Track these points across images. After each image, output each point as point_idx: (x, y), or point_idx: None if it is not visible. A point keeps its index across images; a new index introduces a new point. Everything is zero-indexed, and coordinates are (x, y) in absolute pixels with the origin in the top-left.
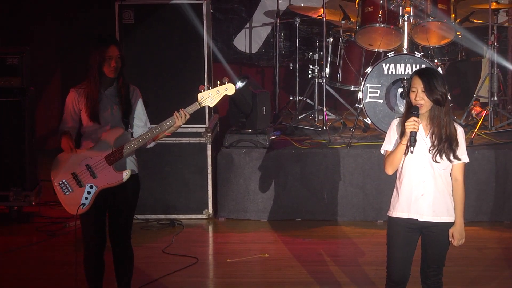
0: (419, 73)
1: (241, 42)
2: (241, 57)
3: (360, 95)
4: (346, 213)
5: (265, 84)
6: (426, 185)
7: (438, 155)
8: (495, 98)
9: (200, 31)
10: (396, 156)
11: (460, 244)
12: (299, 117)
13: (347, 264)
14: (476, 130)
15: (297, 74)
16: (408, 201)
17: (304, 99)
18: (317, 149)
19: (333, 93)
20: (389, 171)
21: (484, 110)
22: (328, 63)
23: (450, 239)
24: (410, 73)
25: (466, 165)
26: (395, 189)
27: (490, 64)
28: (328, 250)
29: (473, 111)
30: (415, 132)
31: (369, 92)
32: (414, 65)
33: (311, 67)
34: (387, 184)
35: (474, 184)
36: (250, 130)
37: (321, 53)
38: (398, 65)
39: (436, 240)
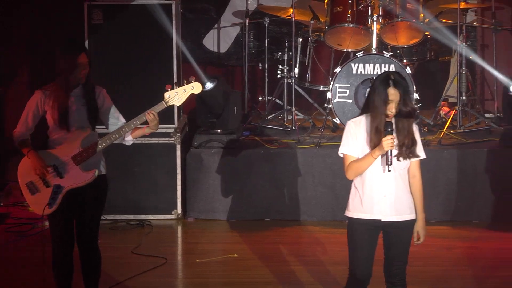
0: (396, 84)
1: (210, 41)
2: (210, 57)
3: (329, 95)
4: (315, 213)
5: (234, 84)
6: (388, 186)
7: (400, 157)
8: (464, 98)
9: (169, 30)
10: (364, 167)
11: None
12: (268, 117)
13: (315, 264)
14: (444, 129)
15: (266, 74)
16: (371, 202)
17: (273, 99)
18: (286, 149)
19: (302, 93)
20: (352, 177)
21: (452, 110)
22: (297, 63)
23: (415, 239)
24: (379, 72)
25: (435, 165)
26: (354, 189)
27: (458, 64)
28: (297, 250)
29: (441, 111)
30: (391, 150)
31: (338, 92)
32: (383, 65)
33: (280, 67)
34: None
35: (443, 184)
36: (219, 130)
37: (290, 53)
38: (367, 65)
39: (399, 239)
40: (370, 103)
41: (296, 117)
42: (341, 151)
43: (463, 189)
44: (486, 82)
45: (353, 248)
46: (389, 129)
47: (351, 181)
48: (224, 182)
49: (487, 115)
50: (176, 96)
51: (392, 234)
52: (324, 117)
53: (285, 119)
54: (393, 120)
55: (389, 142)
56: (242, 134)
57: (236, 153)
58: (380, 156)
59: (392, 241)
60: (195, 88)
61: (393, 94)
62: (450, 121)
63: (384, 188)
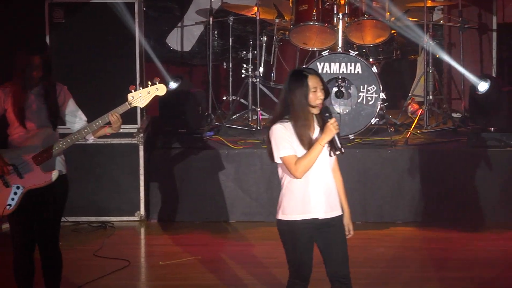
0: (313, 72)
1: (174, 40)
2: (174, 56)
3: None
4: None
5: (198, 83)
6: (324, 181)
7: (332, 150)
8: (431, 97)
9: (132, 29)
10: (314, 160)
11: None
12: (233, 117)
13: (283, 265)
14: (411, 129)
15: (230, 73)
16: (307, 201)
17: (238, 98)
18: (251, 150)
19: (267, 92)
20: (302, 175)
21: (420, 109)
22: (262, 62)
23: (347, 233)
24: (345, 72)
25: (401, 165)
26: (288, 190)
27: (425, 63)
28: (263, 252)
29: (410, 107)
30: (339, 133)
31: None
32: (348, 64)
33: (244, 66)
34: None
35: (409, 184)
36: (183, 130)
37: (255, 52)
38: (332, 64)
39: (337, 235)
40: (289, 103)
41: (261, 117)
42: (281, 155)
43: (429, 190)
44: (453, 81)
45: (295, 250)
46: (327, 114)
47: None
48: (187, 183)
49: (454, 115)
50: (140, 97)
51: (329, 232)
52: None
53: (250, 119)
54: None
55: (336, 124)
56: (206, 134)
57: (200, 154)
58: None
59: (331, 240)
60: (159, 90)
61: (315, 81)
62: (417, 120)
63: (321, 185)
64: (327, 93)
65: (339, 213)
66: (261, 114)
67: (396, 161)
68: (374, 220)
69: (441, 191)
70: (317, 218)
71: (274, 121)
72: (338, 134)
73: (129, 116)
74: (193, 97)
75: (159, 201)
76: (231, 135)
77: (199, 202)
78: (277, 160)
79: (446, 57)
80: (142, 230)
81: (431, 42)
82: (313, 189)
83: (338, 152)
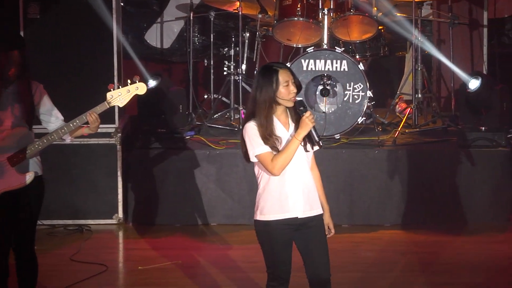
0: (283, 66)
1: (152, 37)
2: (153, 53)
3: None
4: None
5: (178, 81)
6: (302, 179)
7: (308, 145)
8: (419, 95)
9: (110, 25)
10: (291, 155)
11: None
12: (214, 116)
13: (263, 270)
14: (399, 129)
15: (211, 70)
16: (285, 200)
17: (220, 97)
18: (233, 150)
19: (250, 90)
20: (280, 172)
21: (408, 107)
22: (245, 59)
23: (327, 232)
24: (331, 69)
25: (389, 166)
26: (263, 190)
27: (414, 60)
28: (245, 256)
29: (397, 106)
30: (315, 127)
31: None
32: (334, 61)
33: (226, 63)
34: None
35: (397, 186)
36: (163, 130)
37: (237, 49)
38: (318, 61)
39: (317, 234)
40: (256, 101)
41: (244, 116)
42: (256, 153)
43: (418, 191)
44: (442, 79)
45: (273, 251)
46: (302, 107)
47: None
48: (167, 185)
49: (443, 114)
50: (119, 96)
51: (309, 233)
52: None
53: (232, 118)
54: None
55: (311, 117)
56: (186, 134)
57: (181, 154)
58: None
59: (311, 241)
60: (139, 88)
61: (286, 75)
62: (405, 119)
63: (298, 183)
64: (299, 88)
65: (319, 211)
66: (244, 113)
67: (383, 161)
68: (361, 223)
69: (430, 192)
70: (296, 218)
71: (246, 119)
72: (314, 127)
73: (107, 115)
74: (173, 95)
75: (137, 204)
76: (213, 135)
77: (179, 204)
78: (253, 158)
79: (435, 54)
80: (120, 234)
81: (419, 39)
82: (290, 187)
83: (316, 147)
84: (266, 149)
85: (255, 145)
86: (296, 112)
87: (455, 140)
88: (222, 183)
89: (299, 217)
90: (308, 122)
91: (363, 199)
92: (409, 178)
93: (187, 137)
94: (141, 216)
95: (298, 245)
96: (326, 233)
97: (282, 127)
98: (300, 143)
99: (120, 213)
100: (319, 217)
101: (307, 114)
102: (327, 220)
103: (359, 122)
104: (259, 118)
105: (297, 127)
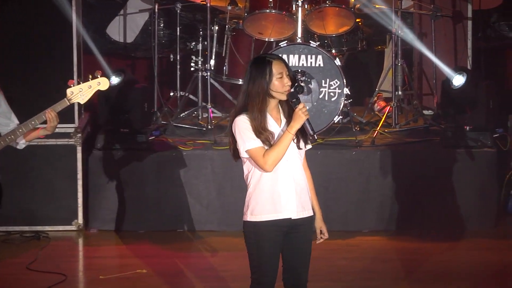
0: (277, 57)
1: (115, 30)
2: (115, 48)
3: None
4: (235, 222)
5: (143, 77)
6: (294, 178)
7: (301, 140)
8: (400, 93)
9: (69, 18)
10: (284, 150)
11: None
12: (181, 115)
13: (236, 279)
14: (378, 128)
15: (178, 66)
16: (278, 199)
17: (187, 94)
18: (201, 151)
19: (219, 87)
20: (273, 167)
21: (388, 106)
22: (213, 54)
23: (320, 236)
24: (306, 64)
25: (368, 168)
26: (254, 189)
27: (393, 55)
28: (215, 264)
29: (376, 105)
30: (309, 119)
31: None
32: (309, 56)
33: (194, 58)
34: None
35: (377, 189)
36: (126, 130)
37: (205, 43)
38: (291, 55)
39: (304, 238)
40: (248, 93)
41: (212, 114)
42: (247, 148)
43: (399, 195)
44: (424, 75)
45: (261, 255)
46: (295, 99)
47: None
48: (131, 188)
49: (425, 112)
50: (80, 93)
51: (298, 234)
52: None
53: (200, 117)
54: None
55: (305, 110)
56: (151, 134)
57: (145, 156)
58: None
59: (299, 243)
60: (101, 84)
61: (280, 66)
62: (385, 118)
63: (291, 182)
64: (293, 80)
65: (310, 213)
66: (212, 112)
67: (362, 163)
68: (338, 229)
69: (411, 196)
70: (290, 218)
71: (236, 113)
72: (308, 120)
73: (66, 114)
74: (137, 93)
75: (99, 209)
76: (179, 135)
77: (144, 209)
78: (243, 154)
79: (418, 47)
80: (80, 241)
81: (400, 32)
82: (283, 186)
83: (309, 146)
84: (258, 143)
85: (246, 140)
86: (289, 107)
87: (438, 140)
88: (190, 187)
89: (293, 218)
90: (301, 115)
91: (340, 203)
92: (389, 180)
93: (151, 138)
94: (102, 222)
95: (285, 249)
96: (318, 238)
97: (274, 123)
98: (293, 139)
99: (80, 219)
100: (310, 220)
101: (300, 106)
102: (319, 224)
103: (336, 121)
104: (252, 111)
105: (289, 123)
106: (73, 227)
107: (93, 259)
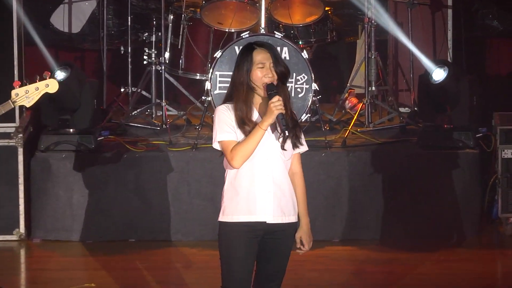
0: (265, 45)
1: (60, 20)
2: (60, 39)
3: (207, 85)
4: (192, 231)
5: (91, 72)
6: (274, 179)
7: (288, 141)
8: (373, 88)
9: (9, 6)
10: (253, 146)
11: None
12: (133, 113)
13: None
14: (350, 127)
15: (129, 59)
16: (253, 200)
17: (139, 90)
18: (155, 153)
19: (175, 83)
20: (239, 163)
21: (360, 103)
22: (168, 46)
23: (299, 246)
24: None
25: (338, 171)
26: (230, 187)
27: (366, 47)
28: (168, 277)
29: (347, 102)
30: (283, 115)
31: (219, 82)
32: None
33: (146, 51)
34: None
35: (348, 194)
36: (72, 130)
37: (159, 34)
38: None
39: (281, 246)
40: (234, 82)
41: (167, 112)
42: (219, 139)
43: (372, 201)
44: (400, 68)
45: (230, 260)
46: (274, 91)
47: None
48: (78, 194)
49: (401, 109)
50: (26, 95)
51: (273, 242)
52: (201, 112)
53: (154, 116)
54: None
55: (278, 104)
56: (100, 135)
57: (93, 158)
58: (266, 141)
59: (274, 250)
60: (50, 86)
61: (263, 56)
62: (357, 117)
63: (269, 182)
64: (282, 74)
65: (292, 220)
66: (167, 110)
67: (332, 165)
68: None
69: (386, 202)
70: (265, 222)
71: (222, 102)
72: (283, 115)
73: (5, 113)
74: (84, 89)
75: (43, 217)
76: (131, 136)
77: (92, 217)
78: (215, 145)
79: (395, 35)
80: (22, 252)
81: (373, 22)
82: (260, 186)
83: (303, 149)
84: (231, 136)
85: (220, 130)
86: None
87: (415, 141)
88: (142, 192)
89: (268, 222)
90: (272, 108)
91: (308, 209)
92: (361, 185)
93: (100, 138)
94: (46, 231)
95: (259, 255)
96: (298, 248)
97: (260, 119)
98: (280, 137)
99: (22, 228)
100: (291, 227)
101: (274, 99)
102: (300, 233)
103: (303, 120)
104: (237, 101)
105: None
106: (14, 237)
107: (37, 272)
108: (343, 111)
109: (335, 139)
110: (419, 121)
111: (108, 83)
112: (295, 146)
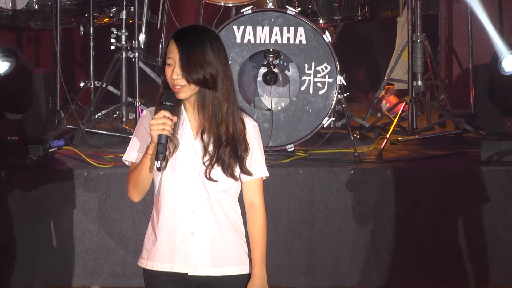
0: (178, 34)
1: None
2: (1, 17)
3: None
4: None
5: (40, 59)
6: (199, 218)
7: (215, 168)
8: (420, 83)
9: None
10: (142, 173)
11: None
12: (96, 116)
13: None
14: (388, 135)
15: (91, 43)
16: (171, 244)
17: (104, 85)
18: (125, 169)
19: (152, 75)
20: (134, 196)
21: (402, 103)
22: (144, 25)
23: None
24: (280, 41)
25: (375, 193)
26: (150, 223)
27: (410, 27)
28: None
29: (384, 102)
30: (166, 137)
31: None
32: (285, 29)
33: (115, 31)
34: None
35: (383, 225)
36: (15, 138)
37: (132, 9)
38: (259, 28)
39: None
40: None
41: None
42: (126, 158)
43: (417, 235)
44: (456, 57)
45: None
46: (166, 103)
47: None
48: (22, 224)
49: (457, 112)
50: None
51: None
52: None
53: (124, 119)
54: (192, 95)
55: (158, 122)
56: (52, 144)
57: (42, 176)
58: (182, 172)
59: None
60: None
61: (171, 49)
62: (397, 121)
63: (193, 222)
64: (199, 81)
65: (237, 271)
66: (142, 110)
67: (364, 187)
68: (326, 284)
69: (434, 239)
70: (186, 274)
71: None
72: (167, 138)
73: None
74: (33, 82)
75: None
76: (93, 146)
77: (42, 256)
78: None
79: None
80: None
81: None
82: (181, 227)
83: (256, 176)
84: (133, 156)
85: (130, 146)
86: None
87: (475, 154)
88: (109, 222)
89: (190, 273)
90: (150, 127)
91: (330, 247)
92: (402, 212)
93: (52, 150)
94: None
95: None
96: None
97: (190, 130)
98: (207, 163)
99: None
100: (236, 279)
101: (158, 115)
102: (251, 286)
103: (325, 125)
104: (156, 107)
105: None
106: None
107: None
108: (379, 113)
109: (368, 152)
110: (480, 127)
111: (63, 75)
112: (233, 173)
